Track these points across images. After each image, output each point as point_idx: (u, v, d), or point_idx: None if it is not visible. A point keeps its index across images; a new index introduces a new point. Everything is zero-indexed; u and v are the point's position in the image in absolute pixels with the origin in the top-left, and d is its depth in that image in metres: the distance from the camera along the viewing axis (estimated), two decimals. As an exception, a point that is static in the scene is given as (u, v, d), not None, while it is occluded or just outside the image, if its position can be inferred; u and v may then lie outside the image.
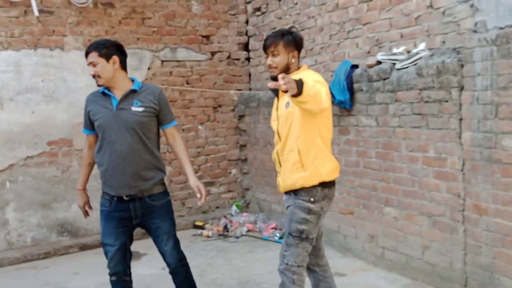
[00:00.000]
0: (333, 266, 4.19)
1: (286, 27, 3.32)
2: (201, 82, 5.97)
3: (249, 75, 6.24)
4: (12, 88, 4.99)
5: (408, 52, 3.79)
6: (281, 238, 5.10)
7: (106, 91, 2.90)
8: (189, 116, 5.96)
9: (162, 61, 5.73)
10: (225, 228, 5.43)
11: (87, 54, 2.87)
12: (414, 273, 3.81)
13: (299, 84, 2.37)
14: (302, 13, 5.05)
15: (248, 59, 6.22)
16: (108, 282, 3.11)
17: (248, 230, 5.46)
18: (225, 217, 5.78)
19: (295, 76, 2.64)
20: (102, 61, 2.84)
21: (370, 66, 4.05)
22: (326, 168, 2.77)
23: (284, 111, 2.80)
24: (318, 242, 2.97)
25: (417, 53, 3.67)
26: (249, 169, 6.17)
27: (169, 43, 5.75)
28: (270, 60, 2.82)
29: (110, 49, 2.88)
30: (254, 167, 6.04)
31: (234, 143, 6.26)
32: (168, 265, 3.09)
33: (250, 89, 6.16)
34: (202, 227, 5.60)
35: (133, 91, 2.90)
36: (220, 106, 6.15)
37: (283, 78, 2.31)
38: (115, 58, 2.89)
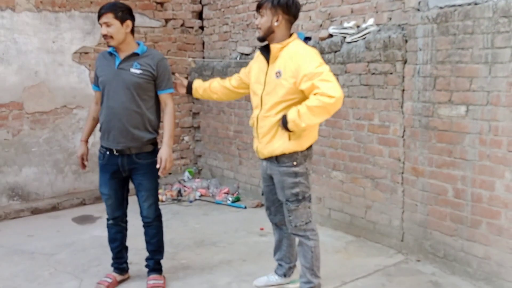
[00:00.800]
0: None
1: None
2: (155, 49, 5.99)
3: (203, 43, 6.32)
4: (-41, 48, 4.83)
5: (358, 26, 4.05)
6: (233, 202, 5.35)
7: (112, 52, 3.11)
8: (143, 83, 5.98)
9: (116, 26, 5.69)
10: (179, 193, 5.59)
11: (101, 14, 3.01)
12: (357, 231, 4.19)
13: (283, 124, 2.68)
14: (258, -16, 5.17)
15: (201, 27, 6.29)
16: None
17: (201, 195, 5.66)
18: (179, 182, 5.94)
19: (277, 48, 2.78)
20: (116, 23, 3.00)
21: (322, 39, 4.29)
22: (307, 139, 2.86)
23: (273, 79, 2.81)
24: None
25: (366, 28, 3.94)
26: (201, 136, 6.32)
27: (123, 8, 5.70)
28: (256, 20, 2.87)
29: (125, 13, 3.05)
30: (207, 135, 6.20)
31: (187, 110, 6.37)
32: (144, 218, 3.34)
33: (203, 58, 6.26)
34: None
35: (135, 54, 3.10)
36: (173, 73, 6.18)
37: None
38: (129, 22, 3.07)
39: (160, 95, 3.19)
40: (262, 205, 5.21)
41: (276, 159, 2.89)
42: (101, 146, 3.24)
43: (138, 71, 3.06)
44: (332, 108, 2.62)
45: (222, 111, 5.81)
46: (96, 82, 3.28)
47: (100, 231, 4.56)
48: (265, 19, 2.81)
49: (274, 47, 2.81)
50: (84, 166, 3.42)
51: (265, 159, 2.97)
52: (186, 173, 6.22)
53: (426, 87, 3.50)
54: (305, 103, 2.63)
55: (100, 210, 5.03)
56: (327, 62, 4.23)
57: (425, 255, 3.63)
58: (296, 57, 2.74)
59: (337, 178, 4.33)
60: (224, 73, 5.65)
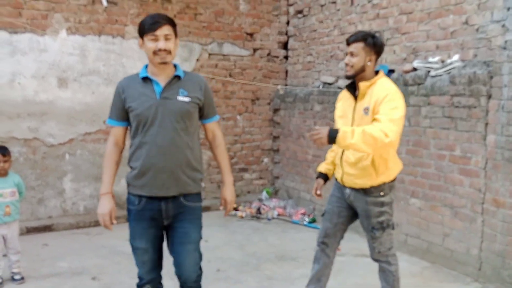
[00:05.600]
0: (358, 248, 4.74)
1: (369, 30, 3.46)
2: (242, 76, 6.48)
3: (286, 72, 6.73)
4: (77, 70, 5.53)
5: (443, 62, 4.26)
6: (310, 222, 5.62)
7: (149, 76, 2.50)
8: (230, 106, 6.48)
9: (210, 54, 6.25)
10: (258, 210, 5.94)
11: (159, 25, 2.39)
12: (434, 257, 4.31)
13: (331, 135, 2.56)
14: (344, 19, 5.53)
15: (286, 57, 6.71)
16: None
17: (279, 214, 5.97)
18: (258, 200, 6.30)
19: (366, 86, 2.81)
20: (173, 37, 2.47)
21: (406, 72, 4.53)
22: (394, 169, 2.94)
23: (361, 115, 2.84)
24: (343, 229, 3.18)
25: (451, 63, 4.14)
26: (280, 159, 6.67)
27: (217, 38, 6.27)
28: (347, 59, 2.85)
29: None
30: (286, 157, 6.54)
31: (268, 134, 6.77)
32: (184, 278, 2.62)
33: (286, 85, 6.66)
34: (235, 209, 6.12)
35: (177, 78, 2.52)
36: (258, 99, 6.66)
37: (311, 134, 2.61)
38: (177, 40, 2.53)
39: (207, 124, 2.69)
40: (338, 227, 5.44)
41: (363, 190, 2.92)
42: (134, 193, 2.54)
43: (186, 99, 2.50)
44: (381, 147, 2.60)
45: (302, 135, 6.15)
46: (117, 116, 2.57)
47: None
48: (358, 59, 2.82)
49: (363, 85, 2.85)
50: (111, 224, 2.57)
51: (350, 187, 3.00)
52: (264, 193, 6.57)
53: (510, 121, 3.64)
54: (363, 127, 2.65)
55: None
56: (410, 93, 4.46)
57: (503, 285, 3.70)
58: (381, 94, 2.77)
59: (415, 205, 4.49)
60: (306, 100, 6.01)
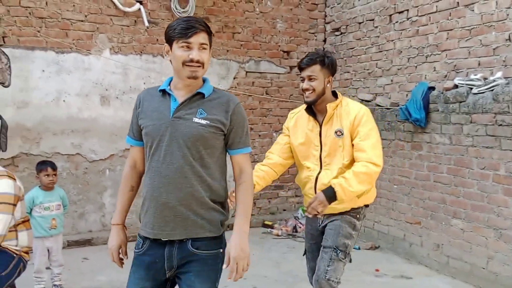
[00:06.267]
0: (398, 270, 4.63)
1: (320, 50, 3.35)
2: (278, 93, 6.51)
3: (323, 89, 6.72)
4: (119, 88, 5.69)
5: (485, 79, 4.16)
6: (347, 241, 5.53)
7: (167, 90, 2.06)
8: (266, 124, 6.51)
9: (246, 72, 6.32)
10: (294, 228, 5.90)
11: (194, 31, 1.97)
12: (477, 281, 4.15)
13: (329, 195, 2.55)
14: (382, 36, 5.49)
15: (323, 74, 6.71)
16: None
17: (315, 232, 5.90)
18: (294, 218, 6.26)
19: (332, 108, 2.74)
20: (208, 48, 2.04)
21: (447, 89, 4.45)
22: (372, 193, 2.90)
23: (332, 139, 2.76)
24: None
25: (494, 81, 4.04)
26: (316, 176, 6.62)
27: (254, 56, 6.34)
28: (306, 84, 2.75)
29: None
30: (322, 175, 6.49)
31: (304, 151, 6.74)
32: None
33: (322, 103, 6.64)
34: (271, 226, 6.10)
35: (200, 95, 2.05)
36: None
37: (312, 210, 2.61)
38: (210, 52, 2.11)
39: (232, 156, 2.11)
40: (376, 247, 5.34)
41: (341, 212, 2.83)
42: (140, 234, 2.10)
43: (203, 121, 2.00)
44: (375, 177, 2.67)
45: (339, 153, 6.09)
46: (134, 134, 2.17)
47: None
48: (317, 82, 2.74)
49: (330, 107, 2.77)
50: (122, 262, 2.22)
51: (326, 213, 2.84)
52: (300, 211, 6.52)
53: (558, 140, 3.51)
54: (351, 170, 2.65)
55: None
56: (451, 111, 4.37)
57: (554, 313, 3.53)
58: (353, 113, 2.74)
59: (457, 226, 4.36)
60: (343, 118, 5.96)
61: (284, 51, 6.52)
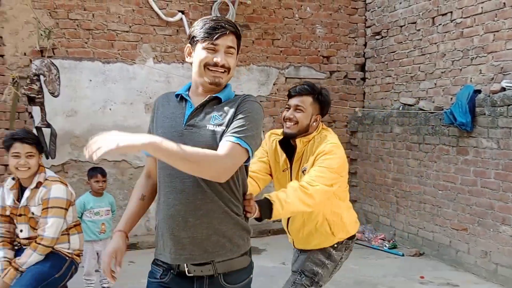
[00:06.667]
0: (444, 277, 4.52)
1: (314, 84, 2.61)
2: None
3: (363, 94, 6.66)
4: (162, 95, 5.83)
5: (534, 80, 4.02)
6: (390, 248, 5.44)
7: (184, 95, 1.86)
8: (306, 129, 6.50)
9: (286, 78, 6.35)
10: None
11: (223, 32, 1.77)
12: (529, 290, 4.00)
13: (265, 209, 2.08)
14: (424, 39, 5.40)
15: (363, 79, 6.66)
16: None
17: (357, 239, 5.83)
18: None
19: (303, 143, 2.46)
20: (236, 53, 1.85)
21: (494, 92, 4.32)
22: (352, 224, 2.67)
23: (300, 177, 2.45)
24: None
25: (544, 82, 3.90)
26: (357, 182, 6.56)
27: (294, 62, 6.36)
28: (290, 113, 2.46)
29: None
30: (363, 181, 6.42)
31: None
32: None
33: (363, 107, 6.58)
34: (312, 232, 6.08)
35: (216, 99, 1.82)
36: (334, 121, 6.63)
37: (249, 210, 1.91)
38: (237, 58, 1.92)
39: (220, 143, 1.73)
40: (421, 254, 5.23)
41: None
42: (157, 260, 1.92)
43: (219, 128, 1.76)
44: (307, 207, 2.27)
45: (380, 158, 6.02)
46: None
47: (266, 261, 5.01)
48: (304, 116, 2.44)
49: (300, 141, 2.48)
50: (113, 276, 1.90)
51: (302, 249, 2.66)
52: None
53: None
54: (291, 184, 2.32)
55: (263, 243, 5.52)
56: (499, 115, 4.24)
57: None
58: (319, 149, 2.41)
59: (506, 232, 4.21)
60: (384, 122, 5.90)
61: (324, 56, 6.50)
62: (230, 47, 1.79)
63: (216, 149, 1.70)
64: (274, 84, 6.31)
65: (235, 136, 1.70)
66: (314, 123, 2.48)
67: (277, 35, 6.25)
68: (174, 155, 1.61)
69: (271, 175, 2.65)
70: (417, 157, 5.37)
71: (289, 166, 2.54)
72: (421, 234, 5.32)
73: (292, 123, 2.45)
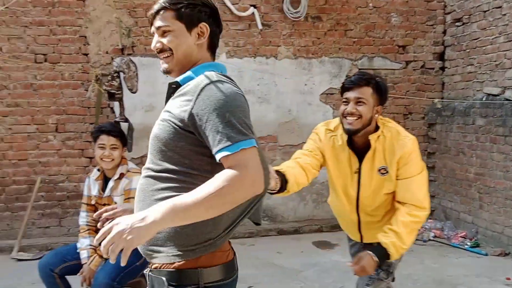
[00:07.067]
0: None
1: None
2: (393, 90, 6.27)
3: (442, 84, 6.34)
4: (234, 90, 5.91)
5: None
6: (472, 247, 5.15)
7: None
8: (381, 122, 6.30)
9: (359, 69, 6.18)
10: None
11: (153, 12, 1.61)
12: None
13: (381, 257, 2.16)
14: (511, 24, 5.03)
15: (442, 68, 6.33)
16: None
17: (435, 236, 5.59)
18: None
19: (374, 140, 2.32)
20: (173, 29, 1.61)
21: None
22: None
23: (377, 178, 2.35)
24: None
25: None
26: (436, 176, 6.26)
27: (367, 52, 6.18)
28: (351, 107, 2.28)
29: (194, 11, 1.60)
30: (442, 175, 6.12)
31: (422, 150, 6.41)
32: None
33: (442, 98, 6.26)
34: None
35: (176, 85, 1.59)
36: (410, 113, 6.38)
37: (360, 272, 2.18)
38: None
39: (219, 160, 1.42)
40: (506, 253, 4.91)
41: None
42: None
43: (162, 118, 1.55)
44: (424, 222, 2.27)
45: (461, 152, 5.70)
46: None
47: (339, 256, 4.93)
48: (367, 108, 2.27)
49: (372, 138, 2.33)
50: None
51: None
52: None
53: None
54: (399, 219, 2.26)
55: (337, 238, 5.43)
56: None
57: None
58: (398, 151, 2.30)
59: None
60: (466, 114, 5.58)
61: (400, 46, 6.26)
62: (160, 27, 1.57)
63: (155, 141, 1.53)
64: (347, 76, 6.16)
65: (223, 148, 1.39)
66: (376, 115, 2.32)
67: (350, 25, 6.10)
68: (194, 213, 1.36)
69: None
70: (502, 150, 5.03)
71: (357, 166, 2.39)
72: (507, 232, 4.98)
73: (355, 118, 2.27)
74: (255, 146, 1.44)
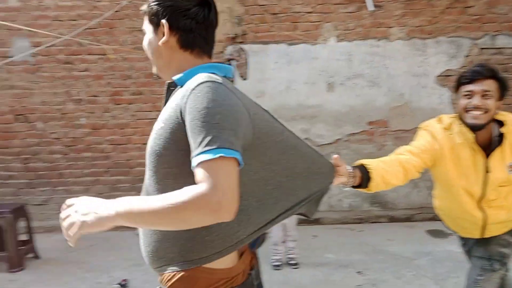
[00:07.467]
0: None
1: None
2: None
3: None
4: (343, 74, 5.84)
5: None
6: None
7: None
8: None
9: (481, 49, 5.76)
10: None
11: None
12: None
13: None
14: None
15: None
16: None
17: None
18: None
19: (505, 131, 2.21)
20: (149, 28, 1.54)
21: None
22: None
23: (504, 173, 2.24)
24: None
25: None
26: None
27: (490, 30, 5.73)
28: (479, 101, 2.15)
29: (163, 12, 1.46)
30: None
31: None
32: None
33: None
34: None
35: (173, 86, 1.48)
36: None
37: None
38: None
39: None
40: None
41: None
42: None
43: (158, 124, 1.41)
44: None
45: None
46: None
47: (454, 246, 4.67)
48: (493, 102, 2.15)
49: (506, 130, 2.21)
50: None
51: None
52: None
53: None
54: None
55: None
56: None
57: None
58: None
59: None
60: None
61: (529, 21, 5.71)
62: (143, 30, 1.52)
63: (151, 150, 1.38)
64: (466, 56, 5.78)
65: (202, 152, 1.20)
66: (497, 111, 2.21)
67: (470, 2, 5.69)
68: (147, 220, 1.25)
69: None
70: None
71: (483, 162, 2.25)
72: None
73: (482, 112, 2.14)
74: (237, 160, 1.22)
